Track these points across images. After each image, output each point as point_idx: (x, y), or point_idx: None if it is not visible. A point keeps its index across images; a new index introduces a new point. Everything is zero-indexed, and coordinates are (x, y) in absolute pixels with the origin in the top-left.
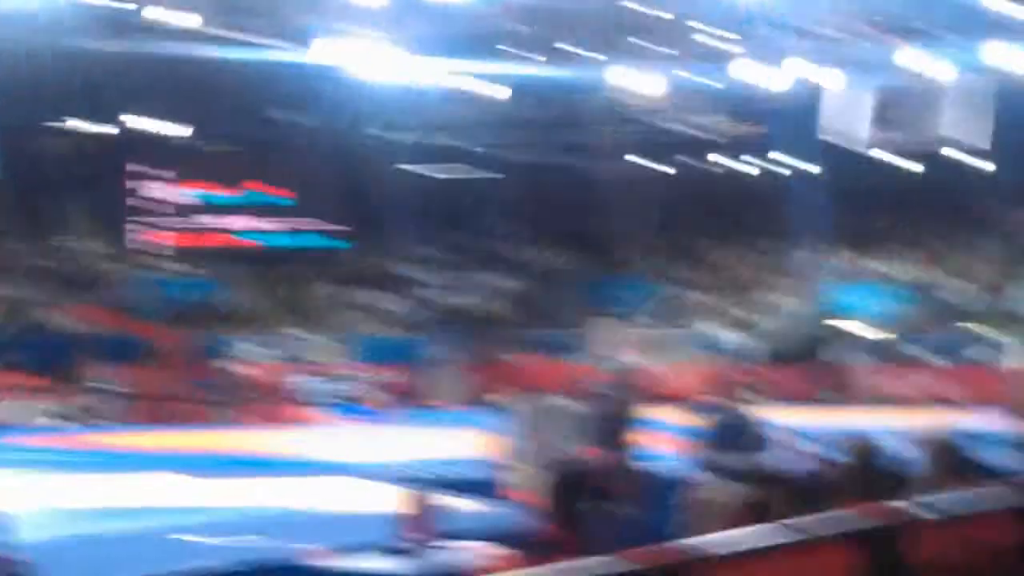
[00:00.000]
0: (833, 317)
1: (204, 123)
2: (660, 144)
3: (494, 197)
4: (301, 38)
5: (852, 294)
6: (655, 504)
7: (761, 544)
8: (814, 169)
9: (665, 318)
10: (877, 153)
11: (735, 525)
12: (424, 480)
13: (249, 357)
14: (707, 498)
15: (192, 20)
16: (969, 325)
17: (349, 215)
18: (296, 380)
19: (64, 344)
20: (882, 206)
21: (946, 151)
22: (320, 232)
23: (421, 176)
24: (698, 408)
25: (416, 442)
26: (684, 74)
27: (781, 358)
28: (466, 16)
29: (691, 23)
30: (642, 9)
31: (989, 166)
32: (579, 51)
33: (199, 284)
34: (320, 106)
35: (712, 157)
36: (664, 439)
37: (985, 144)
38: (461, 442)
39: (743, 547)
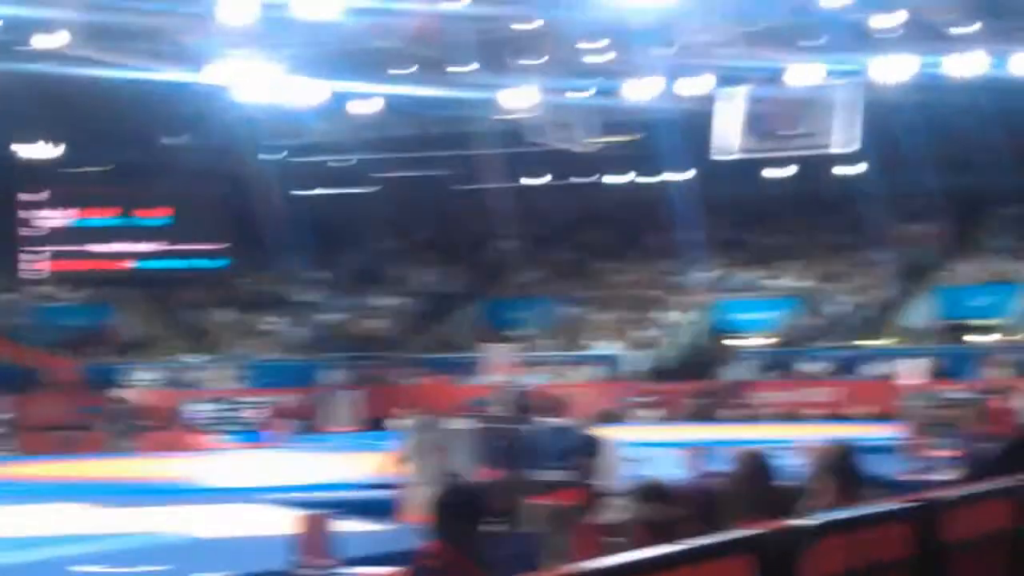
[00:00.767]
0: (727, 333)
1: (82, 146)
2: (544, 161)
3: (381, 217)
4: (179, 60)
5: (746, 309)
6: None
7: (656, 562)
8: (703, 183)
9: (560, 337)
10: (763, 164)
11: (632, 544)
12: (321, 504)
13: (142, 384)
14: (604, 517)
15: (64, 42)
16: (864, 339)
17: (230, 235)
18: (190, 406)
19: None
20: (777, 219)
21: (823, 159)
22: (200, 254)
23: (306, 196)
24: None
25: (312, 466)
26: (563, 89)
27: (675, 374)
28: (341, 36)
29: (569, 39)
30: (517, 26)
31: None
32: (458, 68)
33: (90, 310)
34: (199, 127)
35: (600, 174)
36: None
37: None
38: (357, 465)
39: (637, 566)
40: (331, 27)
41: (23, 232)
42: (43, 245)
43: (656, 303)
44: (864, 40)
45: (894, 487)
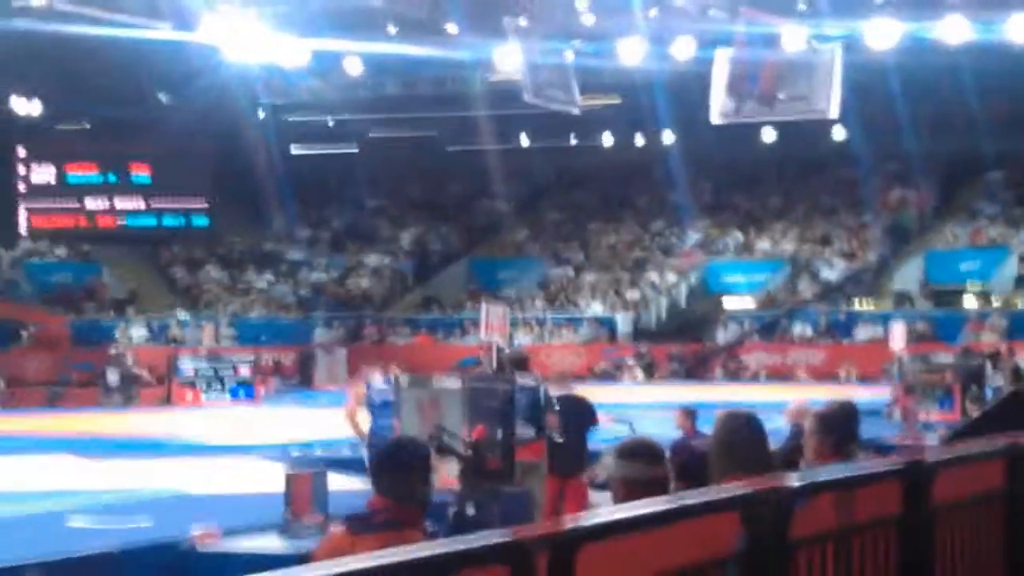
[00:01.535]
0: (717, 294)
1: (66, 102)
2: (533, 122)
3: (370, 175)
4: (167, 17)
5: (736, 271)
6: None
7: (647, 517)
8: (694, 145)
9: (549, 298)
10: (753, 127)
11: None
12: (311, 460)
13: (135, 340)
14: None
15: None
16: (854, 302)
17: (218, 193)
18: (182, 363)
19: None
20: (766, 182)
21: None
22: (188, 211)
23: (295, 155)
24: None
25: (303, 423)
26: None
27: (665, 336)
28: None
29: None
30: None
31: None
32: (447, 27)
33: (79, 267)
34: (187, 85)
35: (590, 135)
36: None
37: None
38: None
39: (629, 520)
40: None
41: (25, 189)
42: (29, 201)
43: (647, 264)
44: (851, 4)
45: (885, 449)
